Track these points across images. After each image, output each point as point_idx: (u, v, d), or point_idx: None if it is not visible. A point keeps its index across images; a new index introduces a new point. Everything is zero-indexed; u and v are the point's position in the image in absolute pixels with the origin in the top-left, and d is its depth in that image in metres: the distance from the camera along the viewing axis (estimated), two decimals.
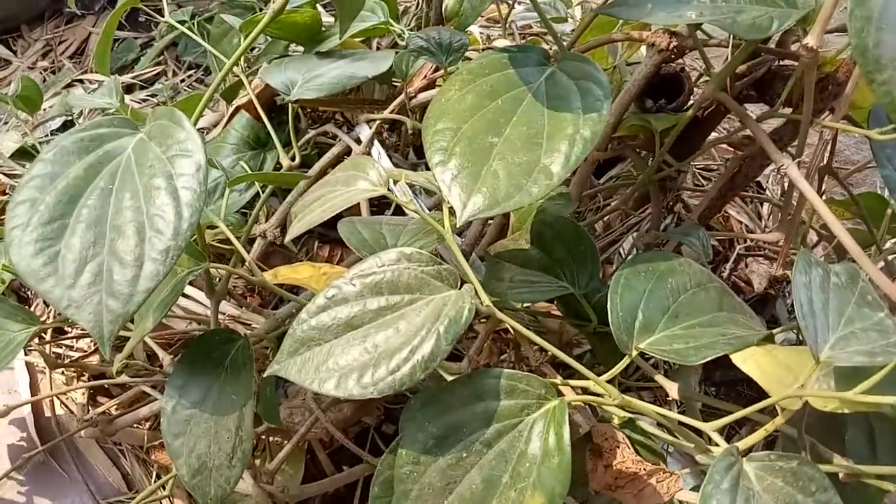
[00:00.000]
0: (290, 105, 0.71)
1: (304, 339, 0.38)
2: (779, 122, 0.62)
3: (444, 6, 0.66)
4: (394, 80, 0.83)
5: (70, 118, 1.15)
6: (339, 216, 0.47)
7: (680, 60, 0.62)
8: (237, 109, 0.80)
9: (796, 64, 0.62)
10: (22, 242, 0.37)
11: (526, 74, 0.47)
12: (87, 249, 0.37)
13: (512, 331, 0.44)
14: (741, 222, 1.21)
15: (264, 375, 0.39)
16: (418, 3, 0.90)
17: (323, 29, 0.83)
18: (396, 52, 0.74)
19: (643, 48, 0.90)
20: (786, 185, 1.16)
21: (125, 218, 0.38)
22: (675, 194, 0.76)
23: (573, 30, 0.93)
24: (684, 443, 0.46)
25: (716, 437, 0.39)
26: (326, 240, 1.07)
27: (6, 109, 1.14)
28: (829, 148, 0.54)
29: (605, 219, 0.84)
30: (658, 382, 0.47)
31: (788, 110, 0.62)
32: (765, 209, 1.15)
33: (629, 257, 0.51)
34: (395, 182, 0.43)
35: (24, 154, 0.87)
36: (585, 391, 0.43)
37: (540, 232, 0.53)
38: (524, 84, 0.47)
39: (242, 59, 0.79)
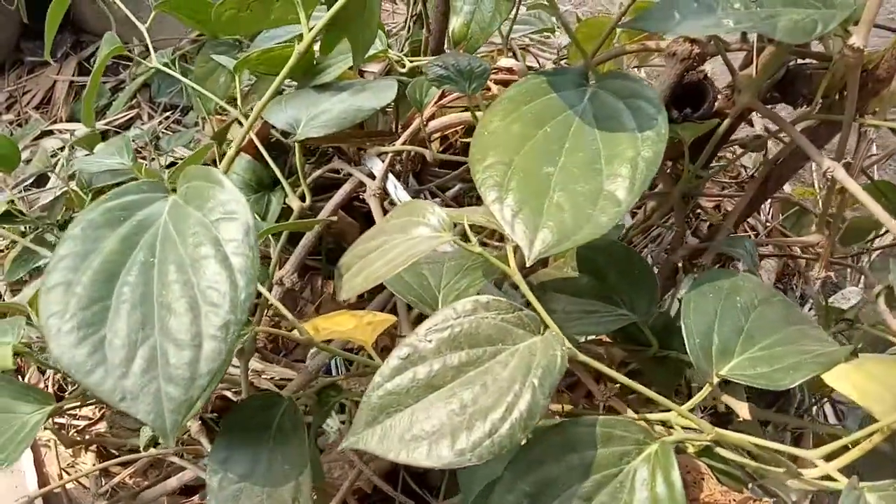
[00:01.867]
0: (296, 144, 0.67)
1: (382, 405, 0.35)
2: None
3: (450, 29, 0.64)
4: (386, 108, 0.80)
5: (46, 172, 1.10)
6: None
7: (701, 68, 0.61)
8: (237, 152, 0.76)
9: (815, 62, 0.62)
10: (61, 332, 0.33)
11: (568, 97, 0.45)
12: (136, 332, 0.34)
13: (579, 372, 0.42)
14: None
15: (339, 448, 0.36)
16: (408, 28, 0.88)
17: (315, 62, 0.80)
18: (399, 80, 0.72)
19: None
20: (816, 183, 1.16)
21: (174, 293, 0.34)
22: (695, 203, 0.75)
23: (567, 44, 0.92)
24: (773, 469, 0.44)
25: (827, 467, 0.37)
26: (332, 275, 1.03)
27: None
28: (870, 146, 0.53)
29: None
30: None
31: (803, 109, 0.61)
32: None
33: (693, 278, 0.49)
34: (455, 225, 0.40)
35: (7, 216, 0.82)
36: (664, 424, 0.41)
37: (590, 258, 0.50)
38: (569, 108, 0.44)
39: (237, 99, 0.76)
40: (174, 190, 0.39)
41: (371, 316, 0.50)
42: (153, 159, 1.14)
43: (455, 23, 0.63)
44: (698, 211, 0.83)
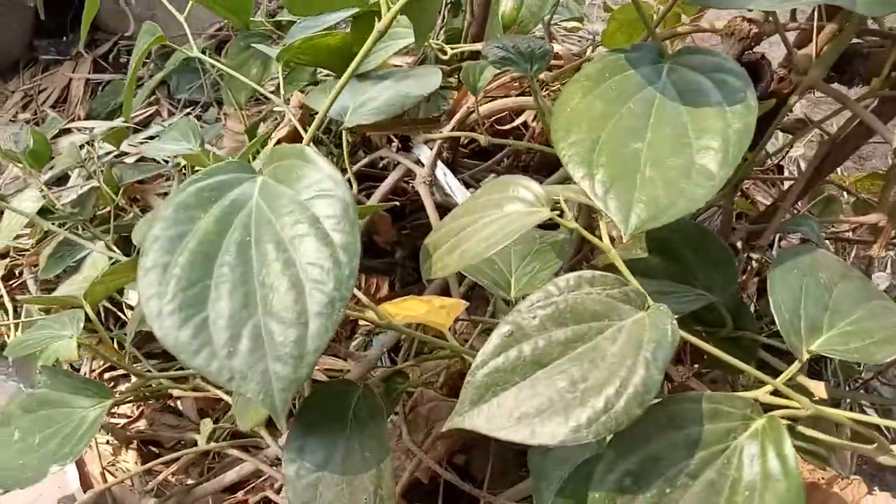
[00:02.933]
0: (343, 132, 0.67)
1: (488, 383, 0.34)
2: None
3: (500, 13, 0.63)
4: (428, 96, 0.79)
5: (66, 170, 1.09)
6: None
7: (757, 48, 0.61)
8: (278, 143, 0.75)
9: (874, 40, 0.61)
10: (163, 314, 0.32)
11: (646, 74, 0.44)
12: (239, 312, 0.33)
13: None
14: (766, 203, 1.21)
15: (442, 430, 0.35)
16: (442, 17, 0.87)
17: (355, 51, 0.79)
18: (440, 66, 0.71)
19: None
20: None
21: (274, 271, 0.34)
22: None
23: (602, 30, 0.92)
24: (862, 446, 0.43)
25: None
26: (365, 268, 1.02)
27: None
28: None
29: None
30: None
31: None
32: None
33: (775, 256, 0.48)
34: (551, 200, 0.39)
35: (42, 212, 0.81)
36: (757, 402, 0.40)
37: (663, 238, 0.50)
38: (648, 84, 0.44)
39: (280, 89, 0.75)
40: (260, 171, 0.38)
41: (441, 300, 0.49)
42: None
43: (505, 6, 0.62)
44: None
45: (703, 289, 0.48)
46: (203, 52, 1.29)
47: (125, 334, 0.77)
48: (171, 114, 1.22)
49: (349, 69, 0.45)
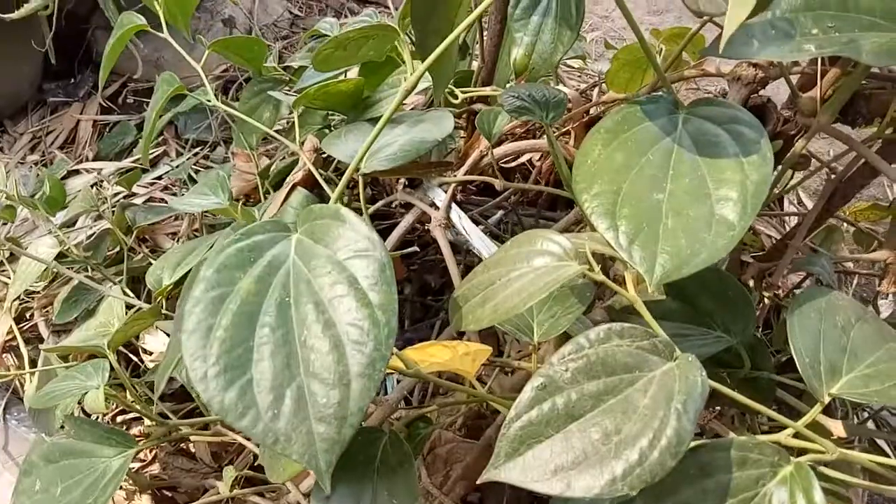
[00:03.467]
0: (360, 177, 0.68)
1: (523, 437, 0.35)
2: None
3: (511, 59, 0.65)
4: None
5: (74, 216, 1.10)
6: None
7: (763, 92, 0.62)
8: (293, 188, 0.77)
9: (874, 82, 0.63)
10: (208, 377, 0.33)
11: (663, 125, 0.46)
12: (282, 373, 0.34)
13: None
14: (770, 236, 1.23)
15: (477, 482, 0.35)
16: None
17: (366, 96, 0.81)
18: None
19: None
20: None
21: (315, 332, 0.34)
22: None
23: (607, 70, 0.94)
24: (884, 487, 0.44)
25: None
26: None
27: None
28: None
29: None
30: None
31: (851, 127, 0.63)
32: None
33: (791, 295, 0.49)
34: (579, 253, 0.40)
35: (58, 256, 0.82)
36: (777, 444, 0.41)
37: (679, 283, 0.51)
38: (666, 135, 0.45)
39: (297, 128, 0.76)
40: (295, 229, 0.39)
41: (465, 346, 0.50)
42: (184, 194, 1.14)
43: (516, 53, 0.64)
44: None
45: (722, 331, 0.49)
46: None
47: (141, 379, 0.78)
48: (178, 154, 1.23)
49: (379, 124, 0.46)
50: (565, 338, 0.60)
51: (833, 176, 0.62)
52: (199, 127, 1.24)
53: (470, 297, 0.42)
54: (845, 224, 1.25)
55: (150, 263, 0.85)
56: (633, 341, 0.36)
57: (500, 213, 0.96)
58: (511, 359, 0.60)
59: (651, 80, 0.77)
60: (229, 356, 0.34)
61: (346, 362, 0.34)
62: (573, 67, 1.04)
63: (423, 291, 1.06)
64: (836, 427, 0.47)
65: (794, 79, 0.65)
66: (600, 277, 0.39)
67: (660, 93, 0.48)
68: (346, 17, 1.55)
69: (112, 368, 0.58)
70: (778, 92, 0.72)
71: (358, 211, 0.72)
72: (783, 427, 0.40)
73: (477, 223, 0.95)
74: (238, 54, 0.81)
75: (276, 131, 1.11)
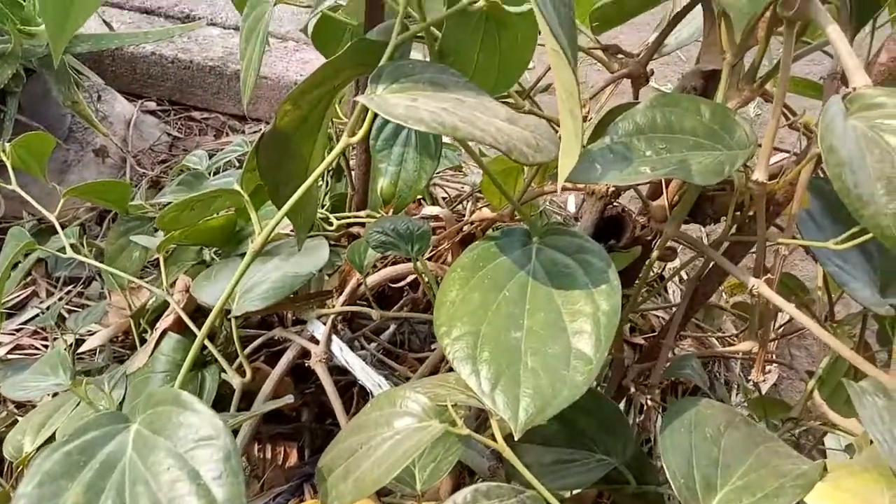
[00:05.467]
0: (232, 320, 0.65)
1: None
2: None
3: (377, 189, 0.66)
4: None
5: None
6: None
7: (617, 202, 0.66)
8: (163, 334, 0.73)
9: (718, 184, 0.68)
10: None
11: (517, 258, 0.47)
12: None
13: None
14: (658, 316, 1.28)
15: None
16: (326, 182, 0.90)
17: (237, 228, 0.79)
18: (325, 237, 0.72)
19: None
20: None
21: None
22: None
23: (481, 181, 0.97)
24: None
25: None
26: (270, 436, 0.97)
27: None
28: (783, 262, 0.58)
29: None
30: None
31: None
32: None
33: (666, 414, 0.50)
34: (440, 409, 0.39)
35: None
36: None
37: None
38: (520, 269, 0.46)
39: (164, 273, 0.73)
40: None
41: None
42: (55, 339, 1.06)
43: (382, 183, 0.65)
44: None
45: (603, 453, 0.49)
46: (83, 226, 1.26)
47: None
48: (49, 293, 1.16)
49: (240, 268, 0.44)
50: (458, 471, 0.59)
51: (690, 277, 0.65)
52: (70, 263, 1.17)
53: (334, 468, 0.40)
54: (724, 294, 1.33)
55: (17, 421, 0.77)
56: (500, 501, 0.35)
57: (393, 326, 0.95)
58: None
59: (521, 188, 0.80)
60: None
61: None
62: (450, 178, 1.07)
63: (322, 416, 1.01)
64: None
65: (644, 188, 0.69)
66: (465, 432, 0.38)
67: (514, 226, 0.49)
68: (227, 135, 1.55)
69: None
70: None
71: (233, 355, 0.69)
72: None
73: (370, 340, 0.93)
74: (99, 198, 0.78)
75: (151, 263, 1.06)
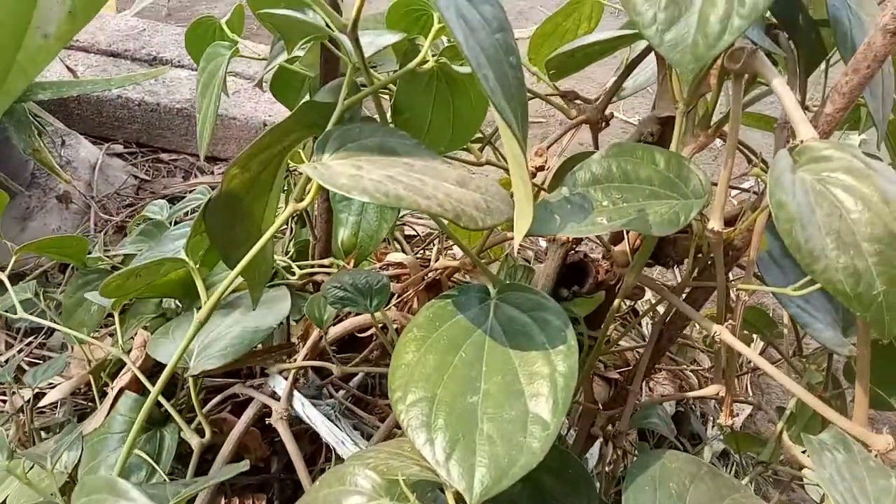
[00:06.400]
0: (190, 379, 0.63)
1: None
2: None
3: (338, 240, 0.65)
4: None
5: None
6: None
7: (579, 248, 0.66)
8: (120, 392, 0.70)
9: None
10: None
11: (474, 317, 0.46)
12: None
13: None
14: (632, 349, 1.27)
15: None
16: (290, 228, 0.89)
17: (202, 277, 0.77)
18: (288, 286, 0.71)
19: None
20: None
21: None
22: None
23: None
24: None
25: None
26: (238, 488, 0.95)
27: None
28: (744, 305, 0.58)
29: None
30: None
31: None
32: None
33: (629, 469, 0.49)
34: (391, 484, 0.38)
35: None
36: None
37: None
38: (478, 328, 0.45)
39: (119, 332, 0.71)
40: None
41: None
42: (13, 393, 1.03)
43: (343, 234, 0.64)
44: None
45: None
46: (45, 275, 1.23)
47: None
48: (9, 345, 1.12)
49: (192, 326, 0.43)
50: None
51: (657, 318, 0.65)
52: (32, 312, 1.14)
53: None
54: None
55: None
56: None
57: (362, 374, 0.93)
58: None
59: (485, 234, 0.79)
60: None
61: None
62: (418, 217, 1.07)
63: (292, 466, 0.99)
64: None
65: (606, 233, 0.69)
66: None
67: (472, 283, 0.48)
68: (195, 176, 1.53)
69: None
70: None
71: (191, 413, 0.67)
72: None
73: (338, 388, 0.92)
74: (55, 253, 0.76)
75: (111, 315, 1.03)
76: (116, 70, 1.58)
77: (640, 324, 1.26)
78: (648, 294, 1.38)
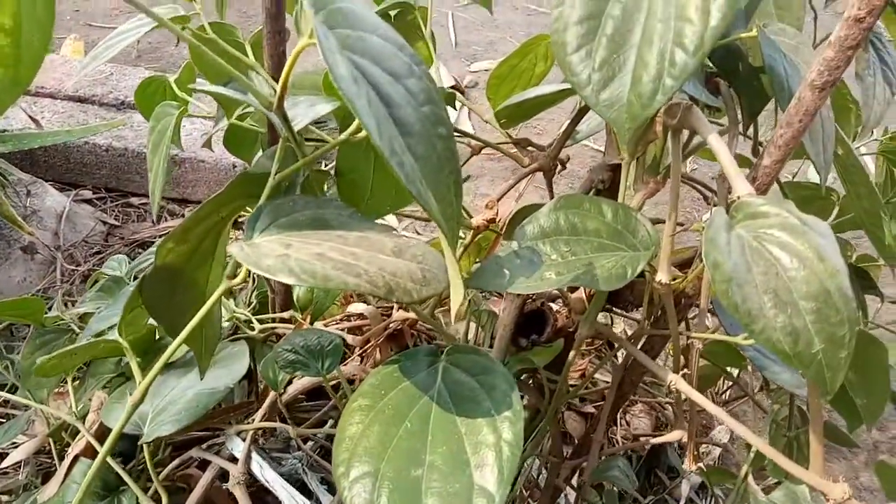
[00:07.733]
0: (145, 446, 0.62)
1: None
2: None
3: (294, 297, 0.64)
4: None
5: None
6: None
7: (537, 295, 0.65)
8: (75, 459, 0.69)
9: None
10: None
11: (422, 382, 0.45)
12: None
13: None
14: (607, 381, 1.27)
15: None
16: (254, 280, 0.88)
17: (160, 337, 0.76)
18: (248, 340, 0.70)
19: None
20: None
21: None
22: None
23: None
24: None
25: None
26: None
27: None
28: (698, 354, 0.58)
29: None
30: None
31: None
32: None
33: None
34: None
35: None
36: None
37: None
38: (424, 393, 0.45)
39: (72, 398, 0.69)
40: None
41: None
42: None
43: (298, 290, 0.64)
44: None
45: None
46: (10, 329, 1.21)
47: None
48: None
49: (135, 395, 0.41)
50: None
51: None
52: None
53: None
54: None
55: None
56: None
57: (331, 421, 0.92)
58: None
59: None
60: None
61: None
62: None
63: None
64: None
65: None
66: None
67: (420, 347, 0.48)
68: (166, 220, 1.52)
69: None
70: None
71: (146, 481, 0.66)
72: None
73: (306, 440, 0.90)
74: (11, 315, 0.75)
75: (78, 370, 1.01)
76: (84, 116, 1.58)
77: (616, 356, 1.25)
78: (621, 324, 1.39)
